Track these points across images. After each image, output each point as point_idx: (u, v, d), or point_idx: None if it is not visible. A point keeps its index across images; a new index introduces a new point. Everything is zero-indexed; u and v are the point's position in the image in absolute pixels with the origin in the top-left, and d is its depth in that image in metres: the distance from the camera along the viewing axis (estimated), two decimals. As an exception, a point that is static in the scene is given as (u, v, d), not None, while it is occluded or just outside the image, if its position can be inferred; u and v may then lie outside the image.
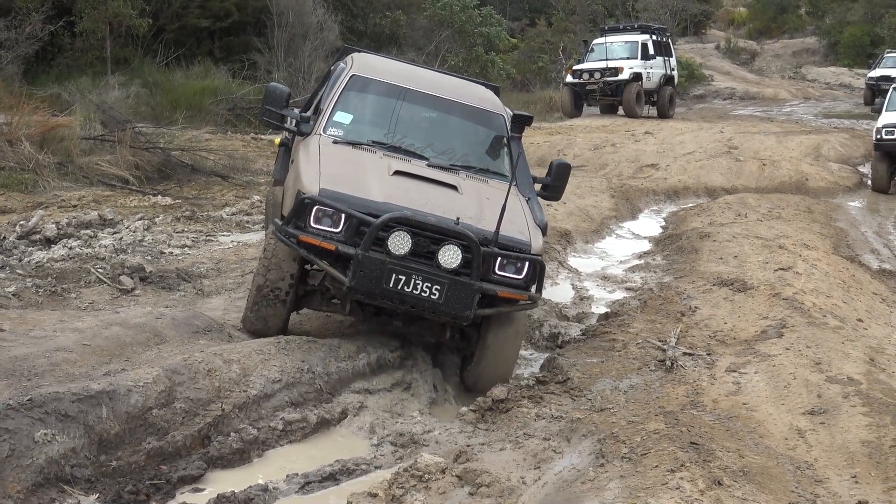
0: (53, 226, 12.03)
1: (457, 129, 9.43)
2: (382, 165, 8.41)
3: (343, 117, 9.13)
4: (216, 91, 25.55)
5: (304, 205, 7.68)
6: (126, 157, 16.66)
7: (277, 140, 11.00)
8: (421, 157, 8.82)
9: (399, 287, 7.56)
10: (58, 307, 9.09)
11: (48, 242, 11.63)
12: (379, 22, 36.38)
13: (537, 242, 8.14)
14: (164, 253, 11.67)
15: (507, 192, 7.84)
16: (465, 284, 7.61)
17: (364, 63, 9.79)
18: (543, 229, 8.54)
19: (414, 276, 7.56)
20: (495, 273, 7.81)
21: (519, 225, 8.14)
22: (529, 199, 8.87)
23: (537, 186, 9.30)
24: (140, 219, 13.32)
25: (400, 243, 7.53)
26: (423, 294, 7.59)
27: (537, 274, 7.98)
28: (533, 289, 7.98)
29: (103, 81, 23.46)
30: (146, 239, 12.25)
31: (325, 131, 8.90)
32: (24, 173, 15.20)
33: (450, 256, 7.59)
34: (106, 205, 14.31)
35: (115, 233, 12.48)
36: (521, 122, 8.51)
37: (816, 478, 5.98)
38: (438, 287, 7.58)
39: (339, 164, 8.28)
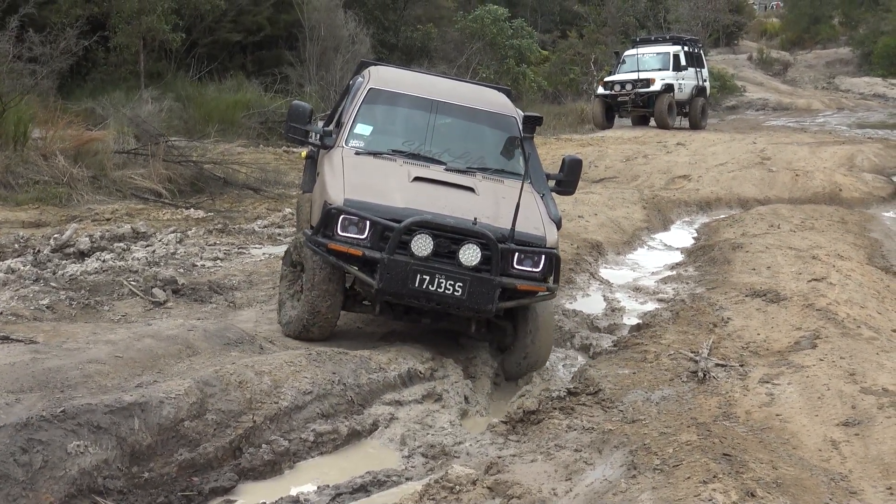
0: (87, 239, 12.12)
1: (471, 133, 9.87)
2: (402, 173, 8.85)
3: (363, 129, 9.58)
4: (248, 104, 25.71)
5: (330, 215, 8.16)
6: (159, 171, 16.79)
7: (304, 153, 11.42)
8: (439, 162, 9.27)
9: (424, 286, 8.05)
10: (91, 319, 9.14)
11: (82, 255, 11.72)
12: (410, 35, 36.54)
13: (552, 236, 8.60)
14: (197, 265, 11.73)
15: (521, 191, 8.21)
16: (485, 280, 8.10)
17: (381, 76, 10.21)
18: (558, 224, 9.01)
19: (437, 276, 8.04)
20: (514, 267, 8.29)
21: (534, 221, 8.60)
22: (543, 195, 9.30)
23: (551, 183, 9.70)
24: (173, 232, 13.40)
25: (422, 245, 8.01)
26: (447, 292, 8.08)
27: (553, 266, 8.48)
28: (550, 280, 8.49)
29: (137, 95, 23.66)
30: (178, 252, 12.31)
31: (346, 143, 9.34)
32: (58, 187, 15.34)
33: (470, 255, 8.08)
34: (139, 218, 14.41)
35: (147, 246, 12.55)
36: (532, 123, 8.81)
37: (851, 489, 5.92)
38: (461, 284, 8.07)
39: (361, 175, 8.71)
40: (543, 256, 8.38)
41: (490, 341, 9.26)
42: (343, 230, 8.13)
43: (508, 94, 11.04)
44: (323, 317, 8.49)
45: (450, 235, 8.09)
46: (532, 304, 8.62)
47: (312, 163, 10.88)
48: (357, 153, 9.18)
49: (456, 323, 8.90)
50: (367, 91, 9.81)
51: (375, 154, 9.21)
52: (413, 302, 8.25)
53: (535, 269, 8.36)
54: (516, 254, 8.27)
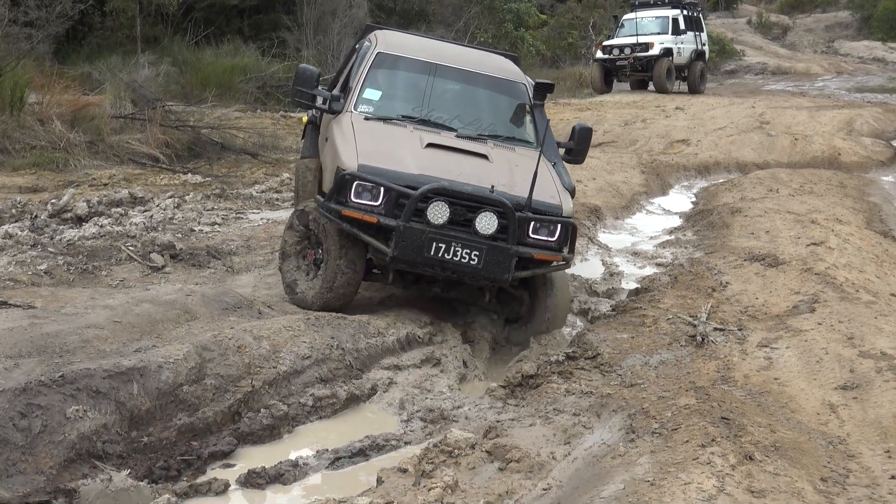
0: (84, 204, 12.09)
1: (482, 100, 9.71)
2: (414, 138, 8.71)
3: (372, 94, 9.39)
4: (245, 69, 25.58)
5: (344, 181, 8.02)
6: (156, 136, 16.74)
7: (305, 117, 11.17)
8: (450, 129, 9.11)
9: (440, 255, 7.94)
10: (89, 285, 9.14)
11: (79, 220, 11.69)
12: (408, -1, 36.28)
13: (568, 205, 8.50)
14: (195, 230, 11.71)
15: (538, 159, 8.17)
16: (502, 249, 7.99)
17: (388, 40, 10.01)
18: (572, 192, 8.95)
19: (453, 244, 7.93)
20: (529, 237, 8.19)
21: (549, 190, 8.48)
22: (555, 163, 9.22)
23: (561, 151, 9.59)
24: (170, 197, 13.37)
25: (439, 213, 7.88)
26: (462, 260, 7.96)
27: (569, 235, 8.36)
28: (565, 250, 8.36)
29: (133, 60, 23.55)
30: (176, 217, 12.29)
31: (355, 108, 9.18)
32: (55, 152, 15.29)
33: (486, 223, 7.95)
34: (136, 183, 14.38)
35: (145, 211, 12.53)
36: (543, 90, 8.76)
37: (849, 453, 5.93)
38: (477, 253, 7.96)
39: (374, 140, 8.57)
40: (559, 225, 8.28)
41: (501, 312, 9.18)
42: (357, 196, 8.01)
43: (516, 61, 10.90)
44: (346, 287, 8.35)
45: (466, 203, 7.98)
46: (547, 273, 8.56)
47: (314, 128, 10.73)
48: (366, 118, 9.05)
49: (467, 293, 8.88)
50: (376, 55, 9.65)
51: (385, 119, 9.08)
52: (427, 270, 8.16)
53: (550, 239, 8.27)
54: (532, 223, 8.17)
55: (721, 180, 18.58)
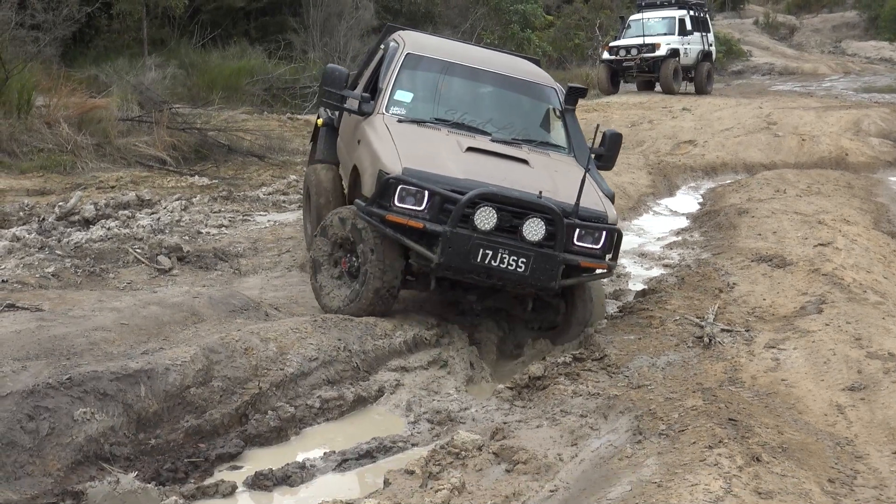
0: (92, 207, 12.11)
1: (513, 104, 9.61)
2: (452, 142, 8.58)
3: (404, 96, 9.25)
4: (252, 71, 25.59)
5: (388, 184, 7.81)
6: (163, 138, 16.75)
7: (320, 119, 11.00)
8: (483, 133, 9.01)
9: (486, 262, 7.77)
10: (96, 287, 9.15)
11: (87, 223, 11.71)
12: (414, 0, 36.28)
13: (612, 212, 8.42)
14: (202, 233, 11.72)
15: (587, 165, 8.24)
16: (549, 256, 7.86)
17: (416, 41, 9.89)
18: (611, 199, 8.81)
19: (500, 251, 7.77)
20: (574, 244, 8.05)
21: (592, 196, 8.35)
22: (589, 169, 8.95)
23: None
24: (177, 199, 13.39)
25: (486, 218, 7.71)
26: (509, 267, 7.80)
27: (614, 243, 8.27)
28: (608, 257, 8.27)
29: (140, 63, 23.59)
30: (183, 219, 12.31)
31: (387, 110, 9.02)
32: (62, 155, 15.30)
33: (534, 229, 7.79)
34: (143, 185, 14.40)
35: (152, 213, 12.55)
36: (575, 95, 8.86)
37: (856, 454, 5.93)
38: (524, 260, 7.80)
39: (413, 143, 8.40)
40: (605, 232, 8.16)
41: (535, 319, 9.05)
42: (400, 201, 7.79)
43: (538, 65, 10.87)
44: (386, 296, 8.16)
45: (513, 209, 7.81)
46: (588, 281, 8.48)
47: (330, 131, 10.66)
48: (400, 121, 8.88)
49: (503, 302, 8.79)
50: (405, 56, 9.49)
51: (419, 122, 8.93)
52: (473, 278, 8.00)
53: (595, 246, 8.14)
54: (577, 230, 8.04)
55: (728, 181, 18.56)
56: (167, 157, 16.48)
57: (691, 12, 32.25)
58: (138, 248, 10.40)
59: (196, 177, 15.69)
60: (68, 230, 11.31)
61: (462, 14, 37.03)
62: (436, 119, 9.04)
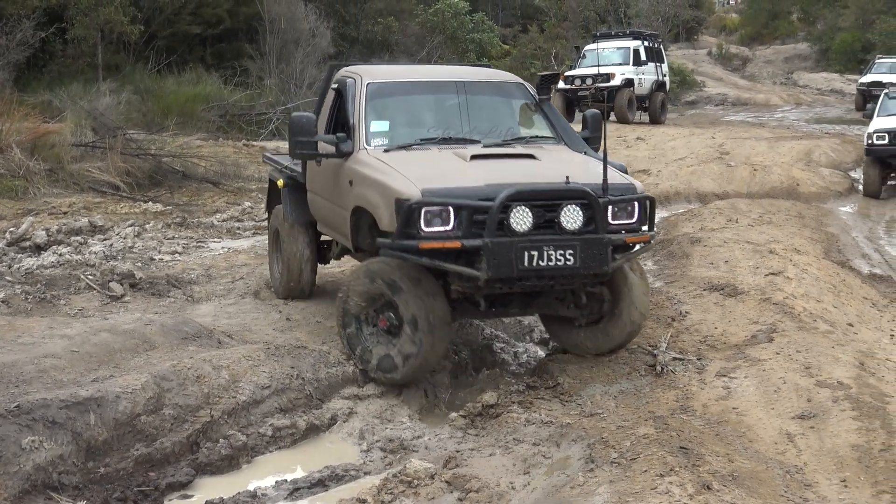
0: (43, 232, 12.03)
1: (489, 107, 9.28)
2: (451, 156, 8.22)
3: (380, 126, 8.84)
4: (208, 97, 25.60)
5: (412, 211, 7.31)
6: (117, 164, 16.70)
7: (281, 182, 10.18)
8: (473, 142, 8.65)
9: (534, 263, 7.35)
10: (47, 314, 9.07)
11: (38, 249, 11.63)
12: (371, 28, 36.46)
13: (638, 183, 8.09)
14: (155, 259, 11.66)
15: (603, 141, 7.92)
16: (596, 240, 7.48)
17: (370, 72, 9.42)
18: (626, 173, 8.52)
19: (545, 248, 7.36)
20: (611, 223, 7.69)
21: (611, 172, 7.89)
22: (585, 152, 8.84)
23: None
24: (130, 225, 13.32)
25: (522, 219, 7.33)
26: (559, 263, 7.40)
27: (648, 212, 7.93)
28: (645, 227, 7.94)
29: (94, 88, 23.50)
30: (136, 245, 12.24)
31: (368, 144, 8.59)
32: (14, 180, 15.22)
33: (572, 217, 7.45)
34: (96, 211, 14.31)
35: (105, 239, 12.48)
36: (548, 82, 8.72)
37: (806, 482, 5.97)
38: (571, 251, 7.42)
39: (415, 165, 8.01)
40: (637, 204, 7.82)
41: (580, 316, 8.47)
42: (428, 225, 7.31)
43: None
44: (444, 332, 7.75)
45: (544, 203, 7.43)
46: (632, 258, 8.13)
47: (295, 190, 9.90)
48: (386, 150, 8.45)
49: (545, 306, 8.42)
50: (367, 87, 8.99)
51: (406, 147, 8.51)
52: (523, 285, 7.62)
53: (631, 220, 7.79)
54: (610, 207, 7.65)
55: (681, 210, 18.68)
56: (121, 183, 16.41)
57: (646, 43, 32.55)
58: (90, 275, 10.32)
59: (150, 203, 15.63)
60: (19, 256, 11.22)
61: (419, 42, 37.24)
62: (421, 140, 8.66)
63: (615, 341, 8.44)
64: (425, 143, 8.62)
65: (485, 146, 8.53)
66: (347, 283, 8.12)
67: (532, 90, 9.37)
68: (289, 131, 8.72)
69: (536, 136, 9.06)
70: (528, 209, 7.33)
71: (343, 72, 9.75)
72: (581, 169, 7.96)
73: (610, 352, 8.45)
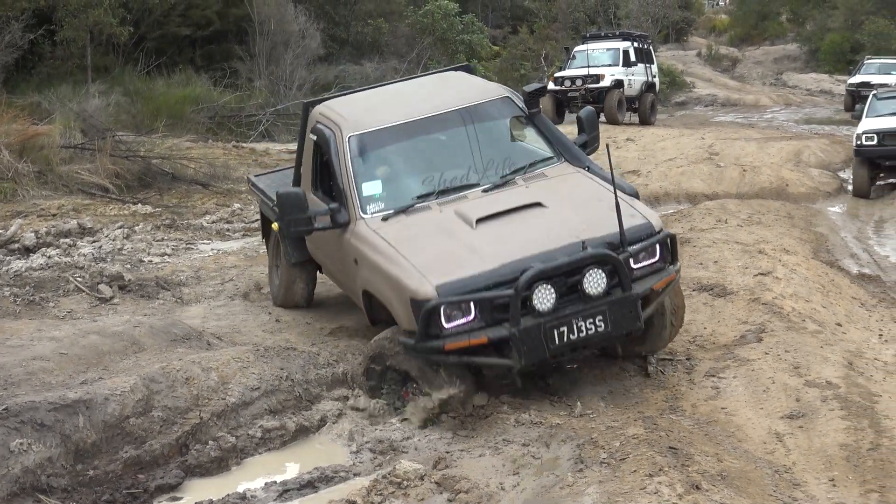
0: (32, 235, 12.01)
1: (479, 137, 8.69)
2: (455, 220, 7.77)
3: (372, 188, 8.34)
4: (197, 99, 25.56)
5: (431, 312, 6.96)
6: (106, 166, 16.66)
7: (276, 225, 9.49)
8: (473, 186, 8.25)
9: (566, 339, 7.08)
10: (35, 316, 9.06)
11: (27, 251, 11.61)
12: (361, 30, 36.41)
13: (654, 217, 7.80)
14: (144, 261, 11.65)
15: (615, 193, 7.34)
16: (623, 300, 7.19)
17: (347, 119, 8.80)
18: (636, 196, 8.23)
19: (574, 321, 7.09)
20: (634, 270, 7.40)
21: (625, 209, 7.51)
22: (589, 167, 8.49)
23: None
24: (119, 227, 13.30)
25: (545, 298, 7.02)
26: (590, 332, 7.13)
27: (671, 247, 7.62)
28: (668, 263, 7.61)
29: (84, 90, 23.45)
30: (125, 247, 12.22)
31: (365, 213, 8.13)
32: (2, 182, 15.19)
33: (596, 282, 7.12)
34: (85, 213, 14.29)
35: (94, 241, 12.45)
36: (535, 96, 8.39)
37: (794, 481, 5.99)
38: (601, 317, 7.14)
39: (420, 245, 7.57)
40: (658, 245, 7.50)
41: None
42: (448, 321, 7.00)
43: (468, 70, 10.25)
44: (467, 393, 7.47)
45: (566, 272, 7.10)
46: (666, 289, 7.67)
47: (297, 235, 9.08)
48: (385, 218, 8.01)
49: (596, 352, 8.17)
50: (349, 142, 8.47)
51: (405, 211, 8.04)
52: (559, 361, 7.54)
53: (654, 261, 7.48)
54: (632, 259, 7.35)
55: (671, 211, 18.70)
56: (110, 185, 16.38)
57: (635, 44, 32.59)
58: (79, 277, 10.31)
59: (139, 205, 15.60)
60: (8, 258, 11.20)
61: (409, 44, 37.20)
62: (418, 197, 8.17)
63: (654, 347, 8.22)
64: (423, 199, 8.15)
65: (485, 191, 8.14)
66: (360, 361, 7.85)
67: (518, 99, 8.98)
68: (278, 209, 8.18)
69: (535, 162, 8.58)
70: (550, 286, 7.02)
71: (318, 116, 9.22)
72: (594, 214, 7.60)
73: (649, 353, 8.23)
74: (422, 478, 6.18)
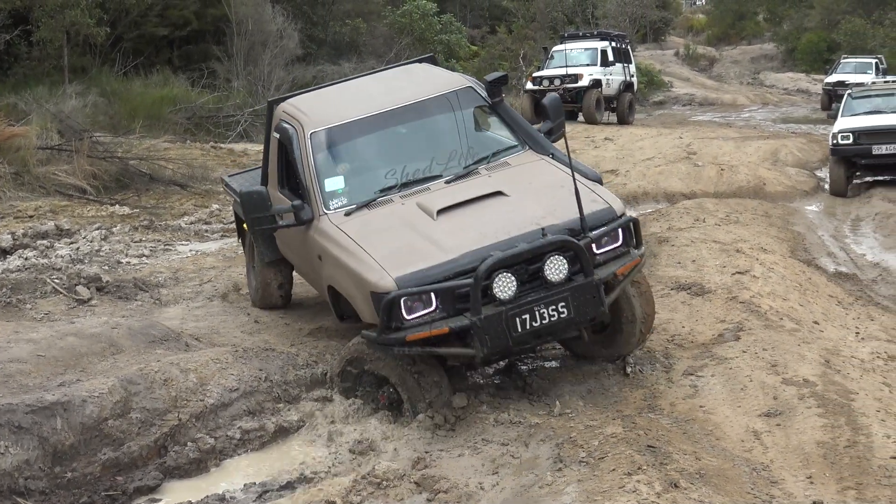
0: (9, 236, 11.96)
1: (441, 128, 8.76)
2: (417, 213, 7.73)
3: (334, 184, 8.31)
4: (175, 100, 25.48)
5: (391, 304, 6.90)
6: (83, 167, 16.61)
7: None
8: (434, 177, 8.21)
9: (528, 326, 7.01)
10: (13, 318, 9.02)
11: (3, 253, 11.56)
12: (339, 30, 36.38)
13: (615, 201, 7.70)
14: (122, 263, 11.61)
15: (573, 177, 7.27)
16: (586, 286, 7.08)
17: (308, 115, 8.81)
18: (599, 181, 8.16)
19: (536, 307, 7.01)
20: (597, 255, 7.31)
21: (586, 194, 7.46)
22: (553, 154, 8.45)
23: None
24: (97, 228, 13.25)
25: (506, 286, 6.92)
26: (552, 319, 7.04)
27: (634, 232, 7.53)
28: (633, 247, 7.52)
29: (60, 91, 23.34)
30: (103, 249, 12.18)
31: (327, 208, 8.11)
32: (-21, 184, 15.09)
33: (557, 269, 7.02)
34: (63, 215, 14.23)
35: (71, 243, 12.41)
36: (497, 85, 8.40)
37: (772, 479, 6.02)
38: (563, 303, 7.05)
39: (381, 238, 7.53)
40: (621, 229, 7.42)
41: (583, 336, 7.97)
42: (409, 312, 6.95)
43: (432, 61, 10.10)
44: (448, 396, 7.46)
45: (526, 259, 7.03)
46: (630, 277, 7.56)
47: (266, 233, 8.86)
48: (347, 213, 7.96)
49: (568, 343, 8.28)
50: (310, 138, 8.47)
51: (367, 205, 7.99)
52: (523, 348, 7.52)
53: (616, 245, 7.39)
54: (594, 243, 7.26)
55: (649, 210, 18.75)
56: (87, 186, 16.33)
57: (613, 43, 32.68)
58: (56, 279, 10.26)
59: (117, 206, 15.55)
60: (-16, 260, 11.14)
61: (387, 44, 37.21)
62: (381, 191, 8.12)
63: (621, 351, 8.21)
64: (385, 192, 8.12)
65: (447, 182, 8.11)
66: (336, 362, 7.84)
67: (481, 89, 8.94)
68: (242, 208, 8.13)
69: (498, 151, 8.56)
70: (510, 275, 6.93)
71: (281, 114, 9.21)
72: (555, 201, 7.56)
73: (617, 357, 8.23)
74: (401, 477, 6.19)
